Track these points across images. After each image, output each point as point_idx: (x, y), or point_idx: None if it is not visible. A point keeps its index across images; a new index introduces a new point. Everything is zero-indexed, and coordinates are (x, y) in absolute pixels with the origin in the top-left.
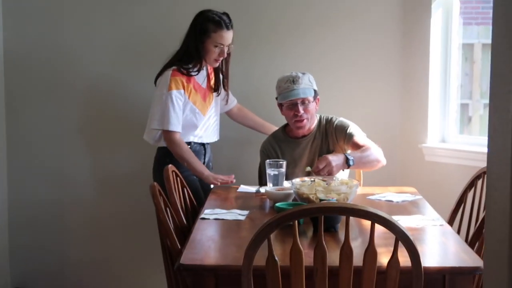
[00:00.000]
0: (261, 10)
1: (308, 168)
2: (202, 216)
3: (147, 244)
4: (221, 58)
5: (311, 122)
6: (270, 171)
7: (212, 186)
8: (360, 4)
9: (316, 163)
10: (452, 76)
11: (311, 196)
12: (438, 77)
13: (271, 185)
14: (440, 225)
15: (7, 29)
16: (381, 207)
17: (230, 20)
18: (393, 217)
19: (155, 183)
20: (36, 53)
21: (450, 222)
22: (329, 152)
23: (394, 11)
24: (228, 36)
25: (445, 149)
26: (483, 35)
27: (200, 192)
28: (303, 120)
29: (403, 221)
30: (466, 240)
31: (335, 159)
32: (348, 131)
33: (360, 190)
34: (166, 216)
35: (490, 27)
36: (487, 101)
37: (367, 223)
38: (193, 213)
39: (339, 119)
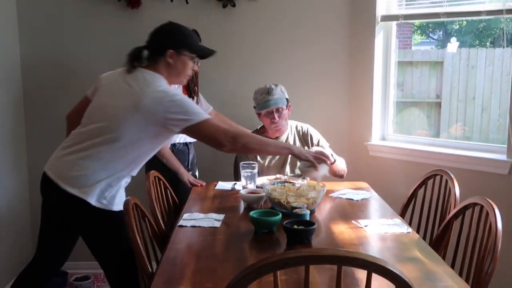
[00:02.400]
0: (237, 30)
1: (300, 166)
2: (180, 223)
3: None
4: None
5: (285, 126)
6: (243, 173)
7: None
8: (316, 28)
9: (317, 153)
10: (391, 85)
11: (282, 201)
12: (379, 86)
13: (245, 183)
14: (407, 232)
15: (23, 42)
16: (344, 206)
17: (198, 35)
18: (360, 221)
19: (130, 199)
20: (48, 60)
21: (402, 214)
22: None
23: (343, 34)
24: None
25: (385, 146)
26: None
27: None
28: (278, 125)
29: (372, 228)
30: (423, 237)
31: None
32: (319, 143)
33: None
34: (138, 237)
35: None
36: None
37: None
38: (176, 212)
39: (310, 127)
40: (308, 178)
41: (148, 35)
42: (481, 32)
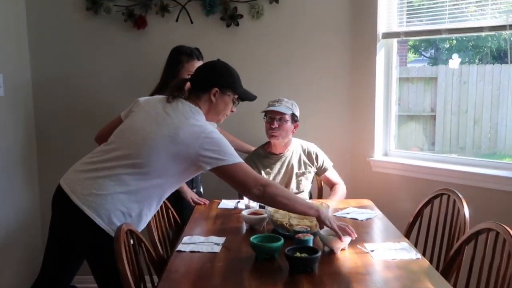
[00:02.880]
0: (240, 49)
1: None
2: (178, 247)
3: None
4: None
5: (285, 140)
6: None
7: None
8: (318, 45)
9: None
10: (392, 101)
11: (284, 223)
12: (381, 102)
13: (248, 201)
14: (416, 258)
15: (33, 61)
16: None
17: (200, 53)
18: (366, 245)
19: (123, 226)
20: (58, 79)
21: (407, 234)
22: (301, 171)
23: (345, 52)
24: (198, 65)
25: (388, 161)
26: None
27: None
28: (276, 133)
29: (379, 254)
30: (430, 261)
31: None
32: (324, 164)
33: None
34: (127, 268)
35: None
36: None
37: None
38: (179, 232)
39: (315, 147)
40: (327, 248)
41: (196, 69)
42: (470, 50)
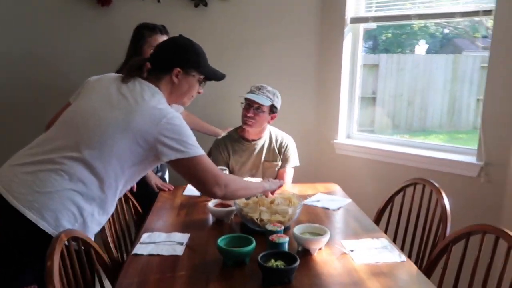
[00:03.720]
0: (208, 29)
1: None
2: (135, 250)
3: None
4: None
5: (258, 128)
6: None
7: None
8: (287, 28)
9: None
10: (357, 85)
11: (255, 218)
12: (346, 85)
13: None
14: (401, 261)
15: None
16: (321, 219)
17: (164, 28)
18: (344, 243)
19: (62, 235)
20: (20, 57)
21: (376, 221)
22: (269, 161)
23: (314, 34)
24: (162, 39)
25: (351, 144)
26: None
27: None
28: (250, 121)
29: (360, 256)
30: (409, 255)
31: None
32: (289, 158)
33: (291, 187)
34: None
35: None
36: None
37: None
38: (139, 225)
39: (291, 143)
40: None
41: (156, 46)
42: (403, 42)
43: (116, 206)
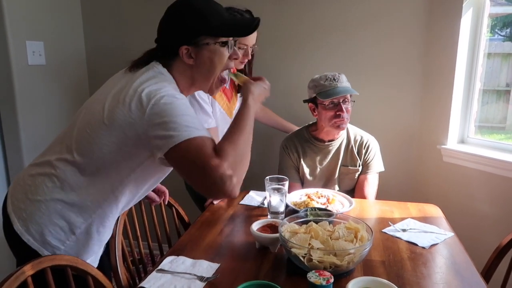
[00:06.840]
0: (285, 14)
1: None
2: (143, 283)
3: None
4: (245, 60)
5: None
6: (268, 186)
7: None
8: (384, 7)
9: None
10: (477, 77)
11: (300, 257)
12: (462, 79)
13: (268, 202)
14: None
15: (87, 37)
16: (400, 260)
17: (250, 12)
18: None
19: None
20: (110, 52)
21: (491, 269)
22: (347, 166)
23: (420, 12)
24: (251, 36)
25: (464, 151)
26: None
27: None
28: (344, 119)
29: None
30: None
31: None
32: (372, 162)
33: (372, 204)
34: None
35: None
36: None
37: None
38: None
39: (374, 142)
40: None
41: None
42: None
43: (149, 214)
